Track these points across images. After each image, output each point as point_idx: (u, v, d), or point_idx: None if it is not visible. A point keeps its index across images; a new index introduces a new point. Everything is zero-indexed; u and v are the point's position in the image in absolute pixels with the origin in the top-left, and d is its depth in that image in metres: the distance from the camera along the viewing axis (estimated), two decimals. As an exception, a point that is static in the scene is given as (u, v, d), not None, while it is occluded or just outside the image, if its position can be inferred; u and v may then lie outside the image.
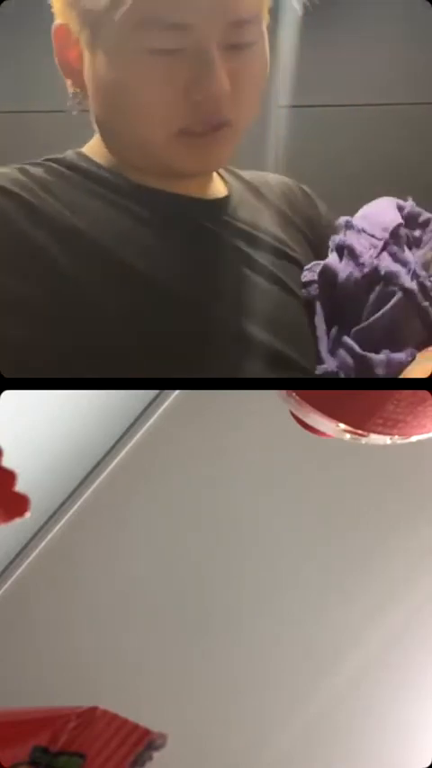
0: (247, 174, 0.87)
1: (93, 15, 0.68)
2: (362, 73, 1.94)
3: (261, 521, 1.64)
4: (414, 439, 0.63)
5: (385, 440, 0.62)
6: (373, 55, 1.93)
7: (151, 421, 1.68)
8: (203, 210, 0.77)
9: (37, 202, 0.70)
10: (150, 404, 1.69)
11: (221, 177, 0.84)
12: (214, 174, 0.82)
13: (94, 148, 0.80)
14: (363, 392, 0.62)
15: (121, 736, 1.00)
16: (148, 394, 1.68)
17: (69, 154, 0.79)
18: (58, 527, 1.72)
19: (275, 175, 0.90)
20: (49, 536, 1.73)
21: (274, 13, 0.76)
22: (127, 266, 0.70)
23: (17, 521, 0.78)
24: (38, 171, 0.74)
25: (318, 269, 0.79)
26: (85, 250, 0.69)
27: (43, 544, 1.73)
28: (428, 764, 1.41)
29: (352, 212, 0.88)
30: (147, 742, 0.99)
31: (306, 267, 0.81)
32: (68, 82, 0.77)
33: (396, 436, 0.62)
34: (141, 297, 0.69)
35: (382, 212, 0.82)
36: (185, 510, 1.67)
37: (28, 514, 0.78)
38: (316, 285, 0.78)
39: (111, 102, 0.72)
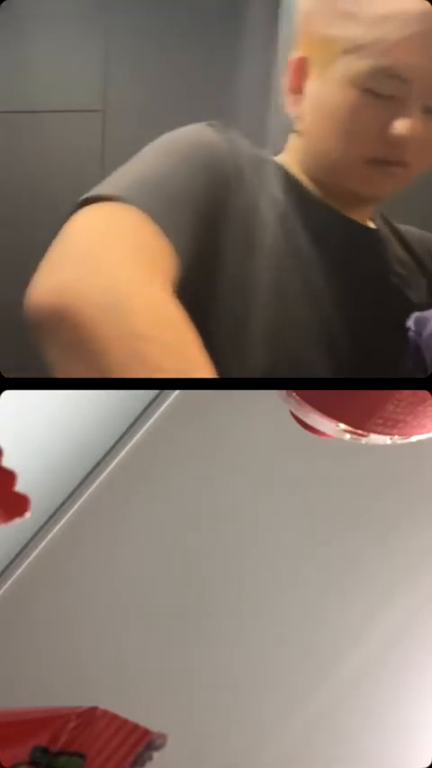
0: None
1: (339, 47, 0.83)
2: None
3: (261, 520, 1.64)
4: (414, 439, 0.63)
5: (385, 440, 0.62)
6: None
7: (151, 421, 1.68)
8: (368, 236, 0.94)
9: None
10: (150, 404, 1.69)
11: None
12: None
13: (288, 162, 0.95)
14: (363, 392, 0.62)
15: (121, 736, 1.00)
16: (148, 394, 1.68)
17: (270, 159, 0.94)
18: (58, 527, 1.73)
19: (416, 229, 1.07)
20: (49, 536, 1.73)
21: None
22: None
23: (17, 521, 0.78)
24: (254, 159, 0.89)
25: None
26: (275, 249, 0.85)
27: (43, 544, 1.73)
28: (428, 764, 1.42)
29: None
30: (147, 742, 0.99)
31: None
32: (290, 100, 0.91)
33: (396, 436, 0.62)
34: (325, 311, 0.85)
35: None
36: (185, 510, 1.68)
37: (28, 514, 0.78)
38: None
39: (324, 125, 0.88)
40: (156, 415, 1.68)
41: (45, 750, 0.99)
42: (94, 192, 0.76)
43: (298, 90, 0.90)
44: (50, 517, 1.73)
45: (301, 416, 0.65)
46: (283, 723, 1.59)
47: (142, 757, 0.98)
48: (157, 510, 1.69)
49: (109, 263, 0.67)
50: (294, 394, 0.64)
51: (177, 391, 1.65)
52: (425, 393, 0.61)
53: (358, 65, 0.82)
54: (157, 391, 1.66)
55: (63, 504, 1.73)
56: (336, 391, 0.64)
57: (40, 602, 1.73)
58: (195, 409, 1.64)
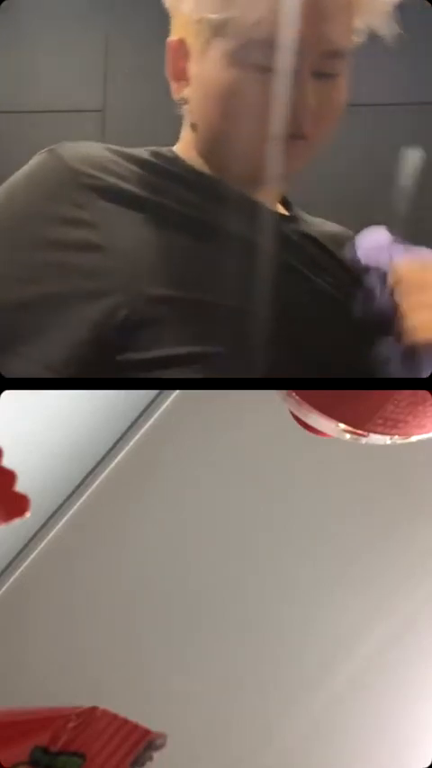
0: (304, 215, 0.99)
1: (213, 28, 0.80)
2: (362, 73, 1.94)
3: (261, 520, 1.64)
4: (414, 439, 0.63)
5: (385, 440, 0.62)
6: (372, 55, 1.93)
7: (151, 421, 1.68)
8: (278, 221, 0.88)
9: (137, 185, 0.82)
10: (150, 404, 1.69)
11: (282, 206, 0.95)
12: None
13: (182, 150, 0.90)
14: (363, 392, 0.62)
15: (121, 736, 1.00)
16: (148, 394, 1.68)
17: (165, 150, 0.90)
18: (58, 527, 1.73)
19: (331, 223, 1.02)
20: (49, 536, 1.73)
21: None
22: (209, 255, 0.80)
23: (17, 521, 0.78)
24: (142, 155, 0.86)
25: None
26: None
27: (43, 544, 1.73)
28: (429, 765, 1.42)
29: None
30: (147, 742, 0.99)
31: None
32: (175, 87, 0.88)
33: (396, 436, 0.62)
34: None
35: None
36: (185, 509, 1.68)
37: (28, 514, 0.78)
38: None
39: (212, 106, 0.84)
40: (156, 415, 1.68)
41: (45, 750, 0.99)
42: None
43: (182, 75, 0.86)
44: (50, 517, 1.73)
45: (301, 416, 0.65)
46: (284, 723, 1.59)
47: (142, 757, 0.97)
48: (157, 510, 1.69)
49: None
50: (294, 394, 0.64)
51: (177, 391, 1.65)
52: (425, 393, 0.61)
53: (235, 41, 0.78)
54: (157, 391, 1.66)
55: (63, 504, 1.73)
56: (336, 391, 0.64)
57: (40, 602, 1.73)
58: (195, 409, 1.64)
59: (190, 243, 0.81)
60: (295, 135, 0.81)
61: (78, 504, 1.72)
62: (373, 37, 0.93)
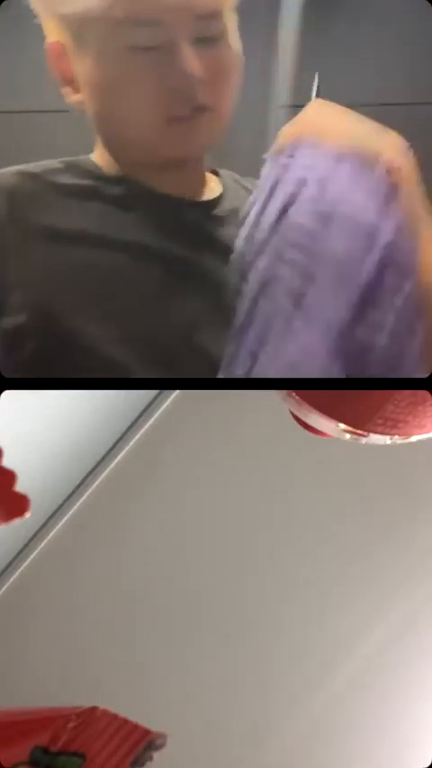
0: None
1: (76, 22, 0.77)
2: (361, 73, 1.94)
3: (261, 520, 1.64)
4: (414, 439, 0.63)
5: (385, 440, 0.62)
6: (373, 55, 1.93)
7: (151, 421, 1.68)
8: (189, 210, 0.84)
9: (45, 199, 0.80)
10: (150, 404, 1.69)
11: (221, 183, 0.90)
12: (209, 178, 0.89)
13: (97, 154, 0.88)
14: (363, 392, 0.62)
15: (121, 736, 1.00)
16: (148, 394, 1.68)
17: (81, 159, 0.88)
18: (58, 527, 1.73)
19: None
20: (50, 536, 1.73)
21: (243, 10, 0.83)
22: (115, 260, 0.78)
23: (17, 521, 0.78)
24: (48, 170, 0.83)
25: None
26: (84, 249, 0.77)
27: (43, 544, 1.73)
28: (429, 765, 1.42)
29: None
30: (147, 742, 0.99)
31: None
32: (67, 90, 0.85)
33: (396, 436, 0.62)
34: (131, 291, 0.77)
35: None
36: (185, 510, 1.68)
37: (28, 514, 0.78)
38: None
39: (101, 101, 0.80)
40: (156, 415, 1.68)
41: (45, 750, 0.99)
42: None
43: (69, 77, 0.83)
44: (50, 517, 1.73)
45: (301, 416, 0.65)
46: (284, 723, 1.59)
47: (142, 757, 0.97)
48: (158, 510, 1.69)
49: None
50: (294, 394, 0.64)
51: (177, 391, 1.65)
52: (425, 393, 0.61)
53: (100, 28, 0.75)
54: (157, 391, 1.66)
55: (63, 504, 1.73)
56: (336, 391, 0.64)
57: (40, 602, 1.73)
58: (195, 409, 1.64)
59: (89, 254, 0.77)
60: (195, 108, 0.78)
61: (78, 504, 1.72)
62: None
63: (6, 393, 0.73)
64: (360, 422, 0.61)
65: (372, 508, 1.58)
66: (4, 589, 1.74)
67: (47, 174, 0.83)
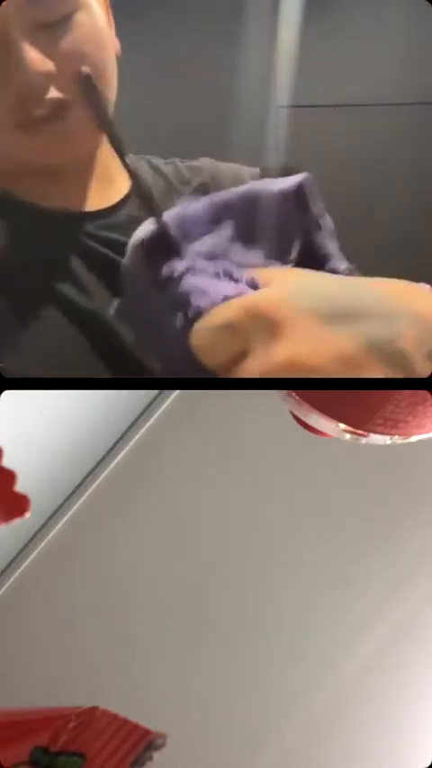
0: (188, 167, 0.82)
1: None
2: (362, 73, 1.94)
3: (261, 520, 1.64)
4: (414, 439, 0.63)
5: (385, 440, 0.62)
6: (372, 55, 1.94)
7: (151, 421, 1.68)
8: (69, 222, 0.73)
9: None
10: (150, 404, 1.69)
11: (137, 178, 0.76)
12: (117, 178, 0.77)
13: None
14: (363, 392, 0.62)
15: (121, 736, 1.00)
16: (148, 394, 1.68)
17: None
18: (58, 527, 1.73)
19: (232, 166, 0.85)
20: (49, 536, 1.73)
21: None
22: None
23: (17, 521, 0.78)
24: None
25: None
26: None
27: (43, 544, 1.73)
28: (429, 765, 1.42)
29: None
30: (147, 742, 0.99)
31: None
32: None
33: (396, 436, 0.62)
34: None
35: None
36: (186, 509, 1.68)
37: (28, 514, 0.78)
38: None
39: None
40: (156, 415, 1.68)
41: (45, 750, 0.99)
42: None
43: None
44: (50, 517, 1.73)
45: (301, 416, 0.65)
46: (284, 723, 1.59)
47: (143, 757, 0.98)
48: (157, 510, 1.69)
49: None
50: (294, 394, 0.64)
51: (177, 391, 1.65)
52: (425, 393, 0.61)
53: None
54: (157, 391, 1.66)
55: (63, 504, 1.73)
56: (336, 391, 0.63)
57: (40, 602, 1.73)
58: (195, 409, 1.64)
59: None
60: (52, 107, 0.66)
61: (78, 504, 1.72)
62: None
63: (6, 393, 0.73)
64: (360, 422, 0.61)
65: (372, 508, 1.58)
66: (4, 589, 1.74)
67: None
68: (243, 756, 1.59)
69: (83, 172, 0.74)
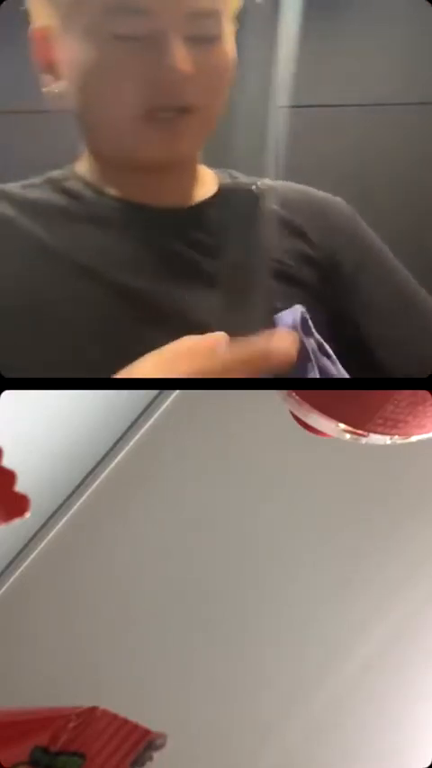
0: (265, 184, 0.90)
1: (65, 4, 0.74)
2: (362, 73, 1.94)
3: (261, 520, 1.64)
4: (414, 439, 0.63)
5: (385, 440, 0.62)
6: (373, 55, 1.93)
7: (151, 421, 1.68)
8: (167, 220, 0.80)
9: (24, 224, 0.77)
10: (150, 404, 1.69)
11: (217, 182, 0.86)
12: (202, 181, 0.85)
13: (82, 162, 0.85)
14: (363, 392, 0.62)
15: (121, 736, 1.00)
16: (148, 394, 1.68)
17: (62, 173, 0.84)
18: (58, 527, 1.73)
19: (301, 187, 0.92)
20: (49, 536, 1.73)
21: (245, 13, 0.82)
22: (101, 276, 0.75)
23: (17, 521, 0.78)
24: (32, 193, 0.81)
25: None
26: (62, 269, 0.75)
27: (43, 544, 1.73)
28: (429, 765, 1.42)
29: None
30: (147, 742, 0.99)
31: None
32: (48, 78, 0.81)
33: (396, 436, 0.62)
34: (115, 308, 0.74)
35: None
36: (185, 510, 1.68)
37: (28, 514, 0.78)
38: None
39: (82, 89, 0.76)
40: (156, 415, 1.68)
41: (45, 750, 0.99)
42: None
43: (51, 65, 0.79)
44: (50, 517, 1.73)
45: (301, 416, 0.65)
46: (284, 723, 1.59)
47: (142, 757, 0.97)
48: (157, 510, 1.69)
49: None
50: (294, 394, 0.64)
51: (177, 391, 1.65)
52: (425, 393, 0.61)
53: (94, 10, 0.71)
54: (157, 391, 1.66)
55: (63, 504, 1.73)
56: (336, 391, 0.64)
57: (40, 602, 1.73)
58: (195, 409, 1.64)
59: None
60: (180, 108, 0.74)
61: (78, 504, 1.72)
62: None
63: (6, 393, 0.73)
64: (360, 422, 0.61)
65: (372, 508, 1.58)
66: (4, 589, 1.74)
67: (23, 191, 0.81)
68: (243, 756, 1.59)
69: (183, 172, 0.83)
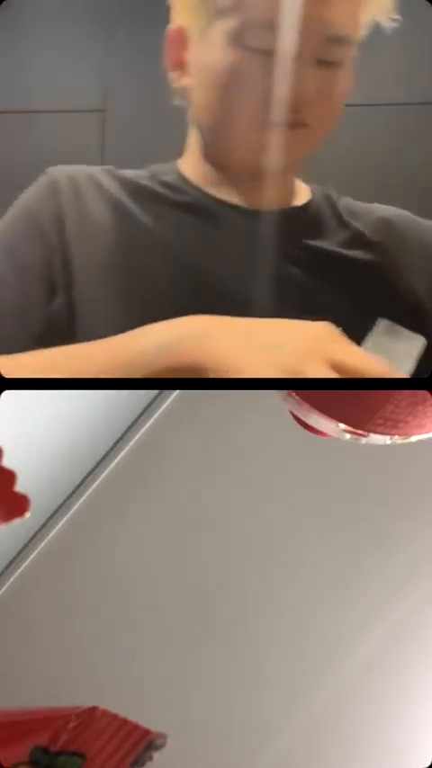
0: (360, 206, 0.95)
1: (211, 11, 0.79)
2: (361, 73, 1.94)
3: (260, 520, 1.64)
4: (414, 439, 0.63)
5: (385, 440, 0.62)
6: (372, 55, 1.93)
7: (151, 421, 1.68)
8: (266, 222, 0.85)
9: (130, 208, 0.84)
10: (150, 404, 1.69)
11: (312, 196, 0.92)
12: (298, 191, 0.91)
13: (185, 160, 0.90)
14: (363, 392, 0.62)
15: (121, 736, 1.00)
16: (149, 394, 1.68)
17: (166, 168, 0.90)
18: (58, 527, 1.73)
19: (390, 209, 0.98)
20: (49, 536, 1.73)
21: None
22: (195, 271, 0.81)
23: (17, 521, 0.78)
24: (139, 181, 0.87)
25: None
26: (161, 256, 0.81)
27: (43, 544, 1.73)
28: (429, 764, 1.42)
29: None
30: (147, 742, 0.99)
31: None
32: (175, 74, 0.87)
33: (396, 436, 0.62)
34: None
35: None
36: (185, 510, 1.68)
37: (28, 514, 0.78)
38: None
39: (209, 91, 0.82)
40: (156, 415, 1.68)
41: (45, 750, 0.99)
42: None
43: (180, 64, 0.85)
44: (50, 517, 1.73)
45: (301, 416, 0.65)
46: (284, 723, 1.59)
47: (142, 757, 0.97)
48: (157, 510, 1.69)
49: None
50: (294, 394, 0.64)
51: (177, 391, 1.65)
52: (425, 393, 0.61)
53: (235, 22, 0.77)
54: (157, 391, 1.66)
55: (63, 504, 1.73)
56: (336, 391, 0.63)
57: (40, 602, 1.73)
58: (195, 409, 1.64)
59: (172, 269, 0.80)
60: (296, 122, 0.79)
61: (78, 504, 1.72)
62: (377, 30, 0.90)
63: (6, 393, 0.73)
64: (360, 422, 0.61)
65: (372, 508, 1.58)
66: (4, 589, 1.74)
67: (135, 178, 0.87)
68: (243, 756, 1.59)
69: (286, 179, 0.89)
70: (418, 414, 0.61)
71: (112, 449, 1.71)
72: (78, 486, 1.72)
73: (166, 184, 0.87)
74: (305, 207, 0.89)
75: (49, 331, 0.78)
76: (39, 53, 2.38)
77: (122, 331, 0.67)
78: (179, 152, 0.94)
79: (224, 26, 0.77)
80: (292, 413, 0.66)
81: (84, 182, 0.85)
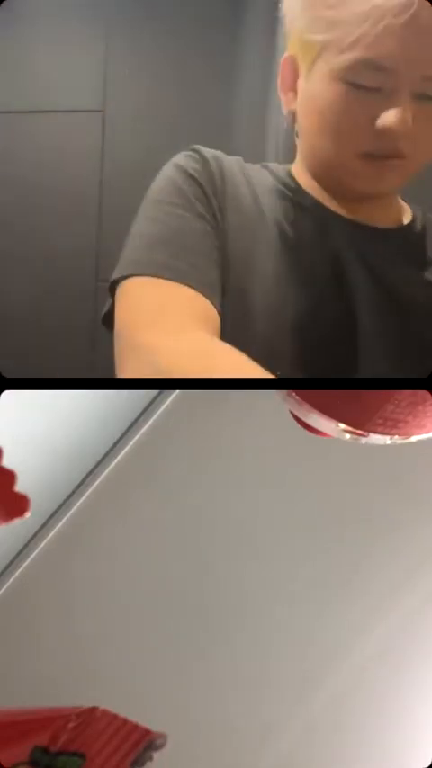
0: None
1: (318, 48, 0.84)
2: None
3: (261, 520, 1.64)
4: (414, 439, 0.63)
5: (385, 440, 0.62)
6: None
7: (151, 421, 1.68)
8: (373, 237, 0.93)
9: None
10: (150, 404, 1.69)
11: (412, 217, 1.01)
12: (401, 212, 1.00)
13: (295, 167, 0.98)
14: (363, 392, 0.62)
15: (121, 736, 1.00)
16: (149, 394, 1.68)
17: (280, 170, 0.98)
18: (58, 527, 1.73)
19: None
20: (50, 536, 1.73)
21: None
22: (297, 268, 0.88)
23: (17, 521, 0.78)
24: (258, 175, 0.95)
25: None
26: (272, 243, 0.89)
27: (43, 544, 1.73)
28: (429, 764, 1.42)
29: None
30: (147, 742, 0.99)
31: None
32: (284, 100, 0.94)
33: (396, 436, 0.62)
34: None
35: None
36: (186, 510, 1.68)
37: (28, 514, 0.78)
38: None
39: (312, 120, 0.89)
40: (156, 415, 1.68)
41: (45, 750, 0.99)
42: (123, 272, 0.82)
43: (291, 88, 0.92)
44: (50, 517, 1.73)
45: (301, 416, 0.65)
46: (284, 723, 1.59)
47: (143, 757, 0.98)
48: (158, 510, 1.69)
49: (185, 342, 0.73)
50: (294, 394, 0.64)
51: (177, 391, 1.65)
52: (425, 393, 0.61)
53: (340, 59, 0.82)
54: (157, 391, 1.66)
55: (63, 504, 1.73)
56: (336, 391, 0.63)
57: (40, 602, 1.73)
58: (195, 409, 1.64)
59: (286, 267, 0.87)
60: (393, 154, 0.85)
61: (78, 504, 1.72)
62: None
63: (6, 393, 0.73)
64: (360, 422, 0.61)
65: (372, 508, 1.58)
66: (4, 589, 1.74)
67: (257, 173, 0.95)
68: (243, 756, 1.59)
69: (386, 201, 0.97)
70: (418, 414, 0.61)
71: (112, 449, 1.71)
72: (78, 486, 1.72)
73: (284, 183, 0.94)
74: (411, 225, 0.98)
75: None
76: (39, 53, 2.38)
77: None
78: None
79: (330, 62, 0.83)
80: (292, 413, 0.66)
81: (229, 165, 0.92)
